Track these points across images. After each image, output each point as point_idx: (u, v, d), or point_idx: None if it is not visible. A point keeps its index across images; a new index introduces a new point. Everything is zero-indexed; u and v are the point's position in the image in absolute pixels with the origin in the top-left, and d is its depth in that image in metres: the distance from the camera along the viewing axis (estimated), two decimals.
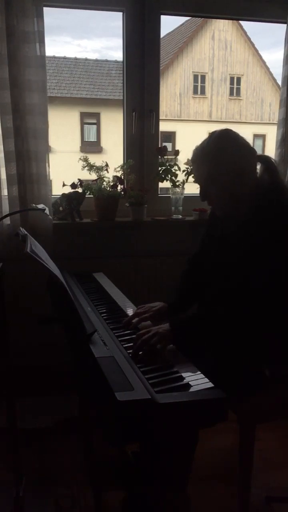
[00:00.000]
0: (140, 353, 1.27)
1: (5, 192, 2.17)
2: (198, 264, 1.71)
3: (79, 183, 2.33)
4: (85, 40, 21.23)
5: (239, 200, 1.42)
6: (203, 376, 1.14)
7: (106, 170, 2.34)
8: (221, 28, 14.80)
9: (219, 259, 1.53)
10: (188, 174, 2.46)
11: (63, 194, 2.30)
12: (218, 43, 15.10)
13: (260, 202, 1.38)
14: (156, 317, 1.54)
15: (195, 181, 1.51)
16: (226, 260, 1.48)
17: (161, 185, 2.53)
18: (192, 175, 2.44)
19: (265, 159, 1.46)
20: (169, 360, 1.26)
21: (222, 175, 1.39)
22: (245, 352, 1.41)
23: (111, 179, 2.35)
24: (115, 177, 2.35)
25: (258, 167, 1.46)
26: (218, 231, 1.59)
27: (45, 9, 2.14)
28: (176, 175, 2.44)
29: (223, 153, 1.40)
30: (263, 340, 1.42)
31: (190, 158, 1.51)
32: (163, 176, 2.44)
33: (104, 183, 2.32)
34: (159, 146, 2.46)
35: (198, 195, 2.63)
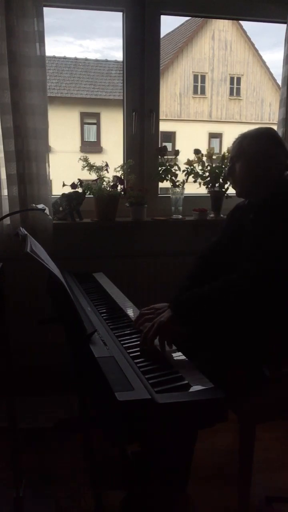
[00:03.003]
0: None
1: (5, 192, 2.17)
2: (210, 260, 1.72)
3: (79, 183, 2.33)
4: (87, 40, 21.29)
5: (259, 184, 1.53)
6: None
7: (106, 170, 2.34)
8: (221, 28, 14.82)
9: (233, 250, 1.58)
10: (188, 174, 2.47)
11: (63, 194, 2.30)
12: (218, 43, 15.11)
13: (277, 194, 1.48)
14: None
15: (229, 158, 1.64)
16: (239, 249, 1.53)
17: (161, 185, 2.53)
18: (193, 167, 2.47)
19: None
20: (169, 360, 1.26)
21: (251, 158, 1.52)
22: (245, 350, 1.42)
23: (111, 179, 2.35)
24: (115, 177, 2.35)
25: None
26: (236, 224, 1.65)
27: (47, 9, 2.14)
28: (176, 175, 2.44)
29: (258, 143, 1.53)
30: (263, 337, 1.43)
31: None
32: (163, 176, 2.44)
33: (104, 183, 2.32)
34: (159, 146, 2.46)
35: (198, 195, 2.66)
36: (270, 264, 1.37)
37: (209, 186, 2.47)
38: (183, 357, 1.27)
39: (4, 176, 2.16)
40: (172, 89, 14.82)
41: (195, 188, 2.52)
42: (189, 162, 2.46)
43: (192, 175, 2.46)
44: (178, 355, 1.29)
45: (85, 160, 2.32)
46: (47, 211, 1.87)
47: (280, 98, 2.46)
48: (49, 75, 2.25)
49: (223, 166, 2.42)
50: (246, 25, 20.47)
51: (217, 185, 2.46)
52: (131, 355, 1.26)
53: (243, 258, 1.51)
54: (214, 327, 1.48)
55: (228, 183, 2.39)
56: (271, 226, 1.42)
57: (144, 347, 1.30)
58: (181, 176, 2.46)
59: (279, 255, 1.37)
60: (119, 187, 2.34)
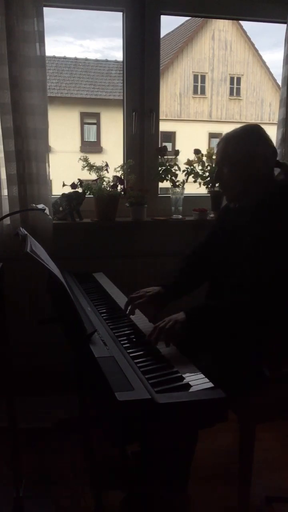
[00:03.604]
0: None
1: (5, 192, 2.17)
2: (203, 254, 1.72)
3: (79, 183, 2.33)
4: (88, 40, 21.30)
5: (250, 187, 1.49)
6: (203, 376, 1.14)
7: (106, 170, 2.34)
8: (221, 28, 14.82)
9: (230, 251, 1.56)
10: (188, 174, 2.46)
11: (63, 194, 2.30)
12: (218, 43, 15.11)
13: (273, 197, 1.45)
14: (151, 303, 1.54)
15: (215, 163, 1.56)
16: (237, 251, 1.51)
17: (161, 185, 2.52)
18: (193, 167, 2.46)
19: (286, 166, 1.54)
20: (169, 360, 1.26)
21: (239, 160, 1.47)
22: (245, 350, 1.42)
23: (111, 179, 2.35)
24: (115, 177, 2.35)
25: (277, 171, 1.54)
26: (230, 224, 1.62)
27: (47, 9, 2.14)
28: (176, 175, 2.44)
29: (245, 143, 1.48)
30: (263, 337, 1.43)
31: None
32: (163, 176, 2.44)
33: (104, 183, 2.32)
34: (159, 146, 2.46)
35: (198, 195, 2.66)
36: (274, 267, 1.37)
37: (209, 186, 2.47)
38: (183, 357, 1.27)
39: (4, 176, 2.16)
40: (172, 89, 14.82)
41: (195, 188, 2.52)
42: (189, 162, 2.46)
43: (192, 175, 2.46)
44: (178, 355, 1.29)
45: (85, 160, 2.32)
46: (47, 211, 1.87)
47: (280, 98, 2.46)
48: (49, 75, 2.25)
49: None
50: (246, 25, 20.47)
51: (217, 185, 2.46)
52: (131, 355, 1.26)
53: (242, 263, 1.47)
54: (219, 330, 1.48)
55: None
56: (270, 227, 1.41)
57: (151, 338, 1.32)
58: (181, 176, 2.46)
59: (281, 257, 1.37)
60: (119, 187, 2.34)
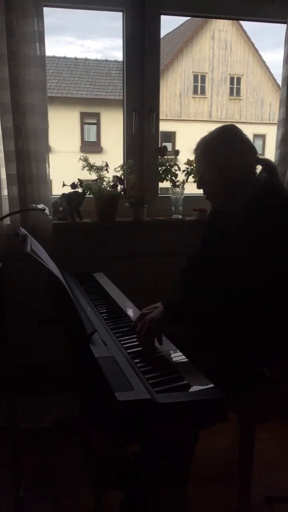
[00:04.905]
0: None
1: (5, 192, 2.17)
2: (199, 263, 1.72)
3: (79, 183, 2.33)
4: (88, 40, 21.25)
5: (234, 192, 1.47)
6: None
7: (106, 170, 2.34)
8: (221, 28, 14.80)
9: (221, 256, 1.55)
10: (188, 174, 2.46)
11: (63, 194, 2.30)
12: (218, 43, 15.09)
13: (259, 198, 1.43)
14: None
15: (196, 170, 1.55)
16: (227, 256, 1.50)
17: (161, 185, 2.52)
18: (193, 167, 2.44)
19: (265, 161, 1.52)
20: (169, 360, 1.26)
21: (219, 163, 1.44)
22: (245, 350, 1.42)
23: (111, 179, 2.35)
24: (115, 177, 2.35)
25: (259, 168, 1.52)
26: (219, 228, 1.61)
27: (49, 9, 2.14)
28: (176, 175, 2.44)
29: (223, 144, 1.45)
30: (263, 337, 1.42)
31: (192, 152, 1.59)
32: (163, 176, 2.44)
33: (104, 183, 2.32)
34: (159, 146, 2.47)
35: (198, 195, 2.65)
36: (273, 267, 1.36)
37: None
38: (183, 357, 1.27)
39: (4, 176, 2.16)
40: (172, 89, 14.80)
41: (195, 188, 2.52)
42: (189, 162, 2.46)
43: (192, 175, 2.46)
44: (178, 356, 1.29)
45: (85, 160, 2.32)
46: (47, 211, 1.87)
47: (280, 98, 2.46)
48: (49, 75, 2.25)
49: None
50: (246, 25, 20.47)
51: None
52: (131, 355, 1.26)
53: (238, 265, 1.46)
54: (213, 328, 1.48)
55: None
56: (265, 227, 1.39)
57: (145, 350, 1.31)
58: (181, 176, 2.46)
59: (279, 256, 1.37)
60: (119, 187, 2.34)
